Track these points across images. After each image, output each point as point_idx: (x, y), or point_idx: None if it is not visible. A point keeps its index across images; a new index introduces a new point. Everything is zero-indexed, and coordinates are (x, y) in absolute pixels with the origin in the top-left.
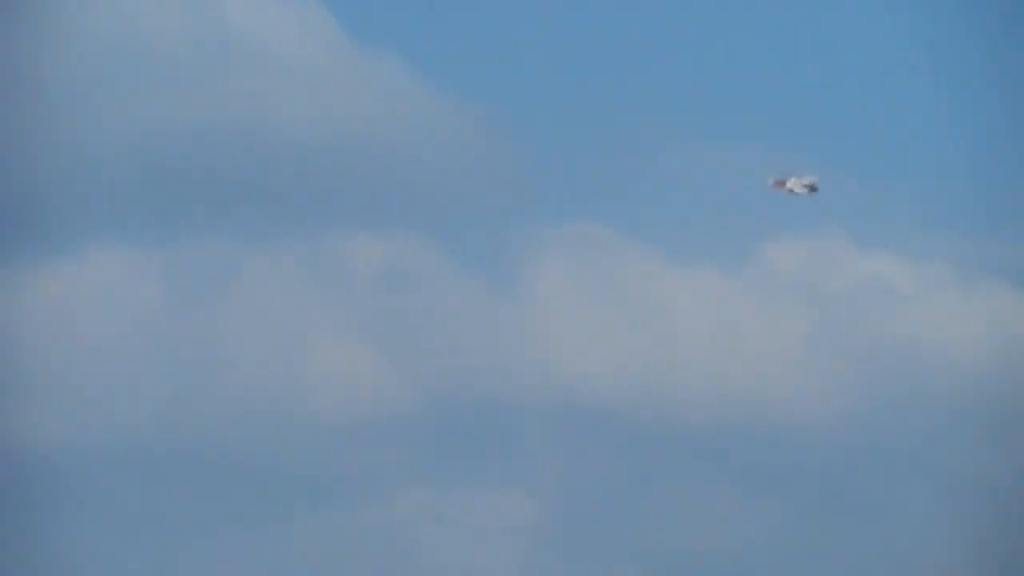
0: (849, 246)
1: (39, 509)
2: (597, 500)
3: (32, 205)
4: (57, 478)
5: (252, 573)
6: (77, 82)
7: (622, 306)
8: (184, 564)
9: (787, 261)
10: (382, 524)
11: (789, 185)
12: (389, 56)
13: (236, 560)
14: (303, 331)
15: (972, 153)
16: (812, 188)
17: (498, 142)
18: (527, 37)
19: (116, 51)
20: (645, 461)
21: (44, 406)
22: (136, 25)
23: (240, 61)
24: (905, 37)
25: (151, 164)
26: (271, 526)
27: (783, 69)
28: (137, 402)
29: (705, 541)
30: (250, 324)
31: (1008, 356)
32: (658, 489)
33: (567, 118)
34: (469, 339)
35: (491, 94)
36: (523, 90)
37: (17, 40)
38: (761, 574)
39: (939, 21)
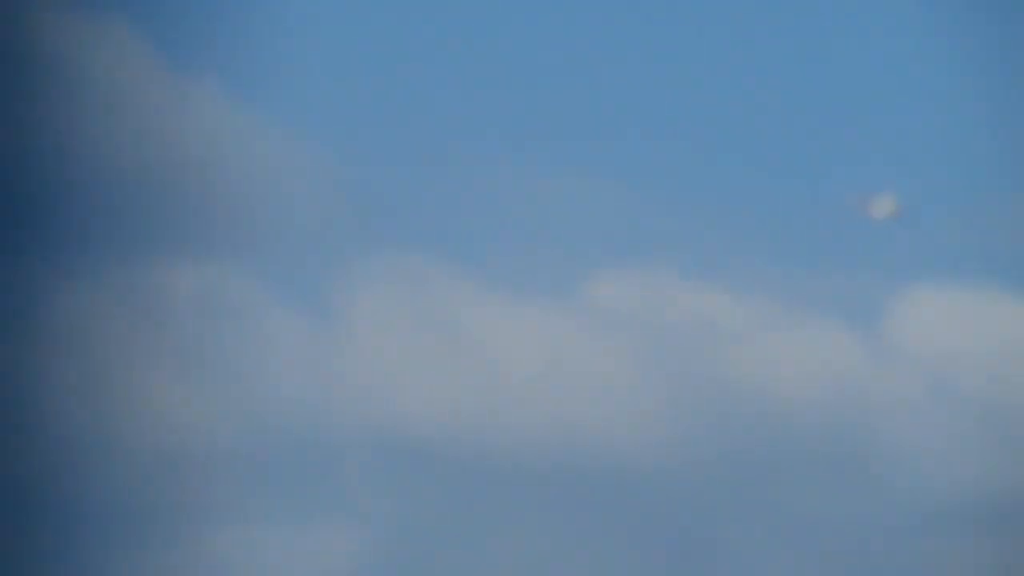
0: (677, 280)
1: None
2: (420, 538)
3: None
4: None
5: None
6: None
7: (447, 339)
8: None
9: (614, 295)
10: (197, 561)
11: (870, 208)
12: (207, 82)
13: None
14: (117, 362)
15: (797, 187)
16: (893, 212)
17: (317, 169)
18: (349, 62)
19: None
20: (470, 497)
21: None
22: None
23: (50, 87)
24: (734, 75)
25: None
26: (80, 561)
27: (620, 100)
28: None
29: None
30: (61, 356)
31: (836, 393)
32: (484, 526)
33: (388, 143)
34: (288, 371)
35: (309, 121)
36: (342, 116)
37: None
38: None
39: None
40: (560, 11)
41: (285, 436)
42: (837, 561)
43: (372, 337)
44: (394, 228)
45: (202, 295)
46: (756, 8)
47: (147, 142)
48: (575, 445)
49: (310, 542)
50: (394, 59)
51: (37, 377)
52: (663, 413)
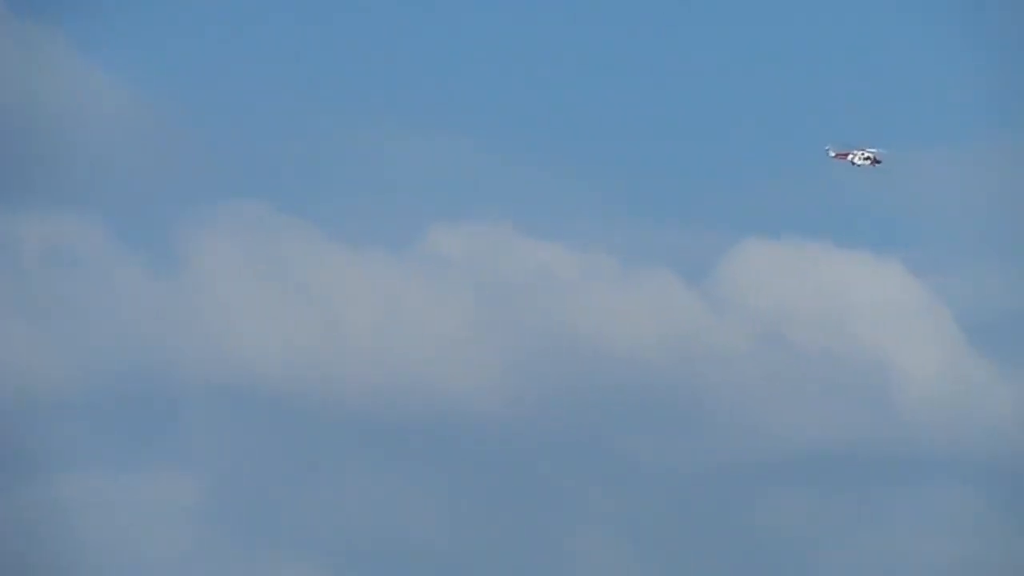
0: (515, 234)
1: None
2: (262, 482)
3: None
4: None
5: None
6: None
7: (288, 288)
8: None
9: (453, 247)
10: (46, 504)
11: (851, 157)
12: (53, 34)
13: None
14: None
15: (631, 143)
16: (875, 160)
17: (162, 120)
18: (198, 14)
19: None
20: (311, 443)
21: None
22: None
23: None
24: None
25: None
26: None
27: (461, 57)
28: None
29: (371, 525)
30: None
31: (670, 343)
32: (324, 472)
33: (233, 97)
34: (133, 319)
35: (157, 72)
36: (190, 68)
37: None
38: (427, 558)
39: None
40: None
41: (127, 382)
42: (670, 505)
43: (215, 285)
44: (238, 179)
45: (46, 242)
46: None
47: None
48: (413, 393)
49: (152, 486)
50: (243, 14)
51: None
52: (500, 362)
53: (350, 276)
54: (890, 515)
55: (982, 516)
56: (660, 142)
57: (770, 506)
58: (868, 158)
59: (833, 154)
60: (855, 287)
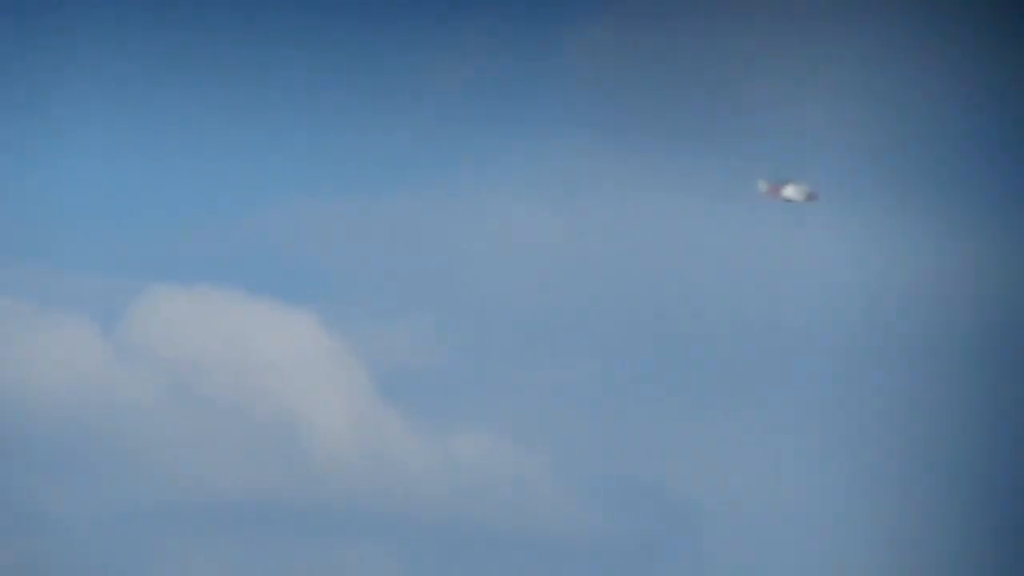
0: None
1: None
2: None
3: None
4: None
5: None
6: None
7: None
8: None
9: None
10: None
11: (785, 193)
12: None
13: None
14: None
15: (36, 186)
16: (811, 197)
17: None
18: None
19: None
20: None
21: None
22: None
23: None
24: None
25: None
26: None
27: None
28: None
29: None
30: None
31: (79, 391)
32: None
33: None
34: None
35: None
36: None
37: None
38: None
39: None
40: None
41: None
42: (73, 553)
43: None
44: None
45: None
46: None
47: None
48: None
49: None
50: None
51: None
52: None
53: None
54: (302, 569)
55: (393, 570)
56: (53, 184)
57: (180, 557)
58: (806, 194)
59: (765, 189)
60: (266, 337)
